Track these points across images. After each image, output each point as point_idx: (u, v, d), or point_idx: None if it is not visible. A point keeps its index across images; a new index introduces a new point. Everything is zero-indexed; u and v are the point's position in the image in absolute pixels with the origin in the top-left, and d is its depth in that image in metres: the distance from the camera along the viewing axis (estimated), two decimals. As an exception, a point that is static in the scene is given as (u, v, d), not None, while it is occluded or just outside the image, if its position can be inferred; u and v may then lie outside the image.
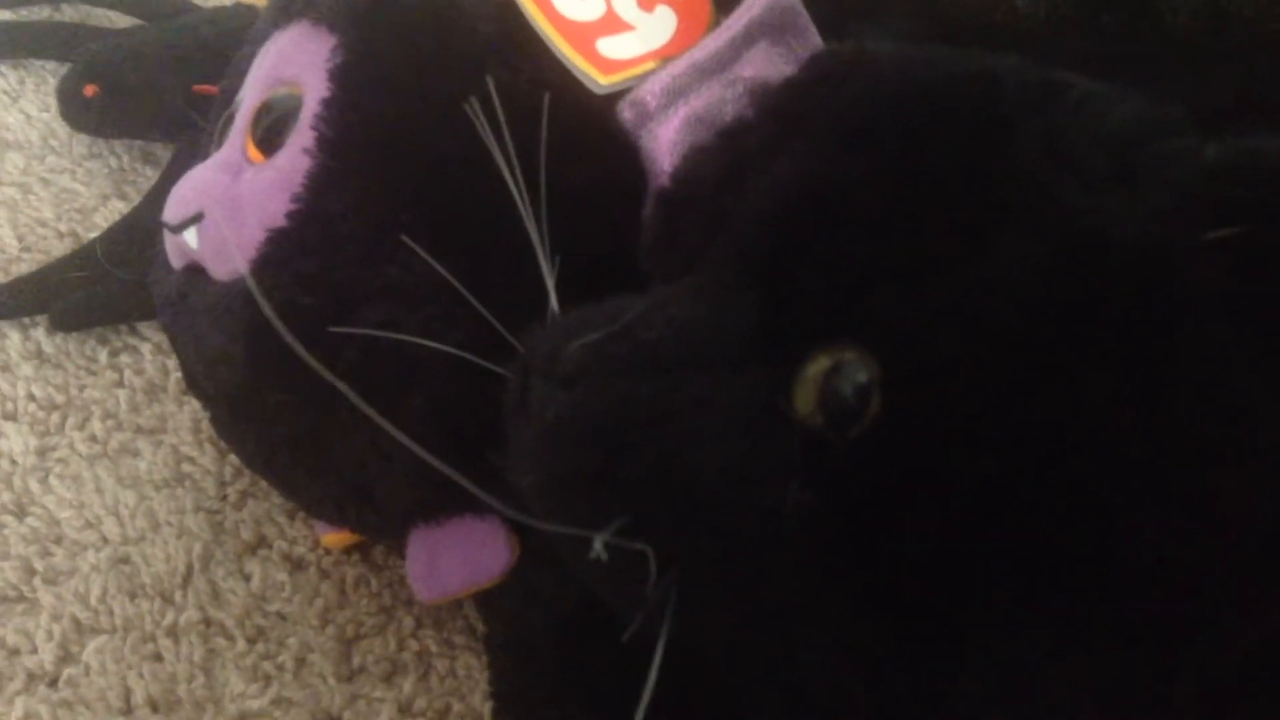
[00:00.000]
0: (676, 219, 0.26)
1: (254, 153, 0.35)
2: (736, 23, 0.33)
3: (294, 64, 0.35)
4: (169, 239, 0.37)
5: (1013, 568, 0.22)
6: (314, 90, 0.34)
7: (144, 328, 0.48)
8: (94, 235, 0.50)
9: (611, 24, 0.33)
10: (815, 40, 0.33)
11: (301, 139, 0.33)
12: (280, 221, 0.33)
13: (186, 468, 0.44)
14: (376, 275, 0.32)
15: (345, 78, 0.33)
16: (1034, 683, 0.23)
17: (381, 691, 0.40)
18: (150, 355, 0.47)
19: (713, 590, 0.21)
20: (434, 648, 0.41)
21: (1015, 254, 0.21)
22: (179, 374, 0.45)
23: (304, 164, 0.33)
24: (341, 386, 0.25)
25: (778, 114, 0.25)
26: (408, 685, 0.40)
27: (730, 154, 0.26)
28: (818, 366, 0.21)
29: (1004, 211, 0.21)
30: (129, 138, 0.54)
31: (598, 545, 0.21)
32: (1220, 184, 0.20)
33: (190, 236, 0.35)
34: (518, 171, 0.28)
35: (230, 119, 0.38)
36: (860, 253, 0.21)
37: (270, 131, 0.35)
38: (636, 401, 0.22)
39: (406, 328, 0.31)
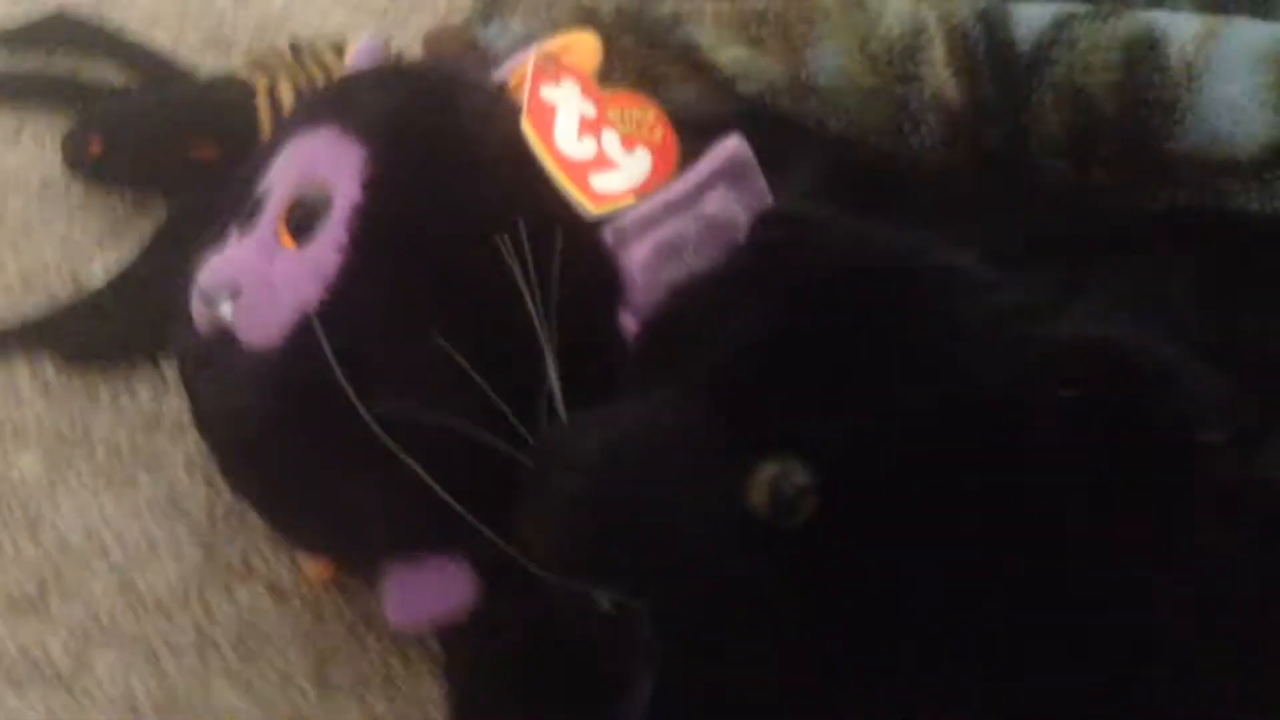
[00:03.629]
0: (661, 341, 0.33)
1: (286, 239, 0.41)
2: (701, 169, 0.40)
3: (324, 166, 0.41)
4: (197, 307, 0.43)
5: (913, 623, 0.30)
6: (344, 194, 0.40)
7: (141, 369, 0.53)
8: (93, 273, 0.55)
9: (601, 163, 0.40)
10: (762, 185, 0.41)
11: (335, 234, 0.39)
12: (314, 305, 0.39)
13: (182, 501, 0.49)
14: (398, 356, 0.38)
15: (375, 189, 0.39)
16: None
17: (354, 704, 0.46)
18: (146, 395, 0.52)
19: (684, 634, 0.29)
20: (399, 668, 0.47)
21: (917, 396, 0.29)
22: (172, 412, 0.51)
23: (336, 258, 0.39)
24: (390, 444, 0.32)
25: (745, 272, 0.33)
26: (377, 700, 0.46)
27: (708, 299, 0.33)
28: (767, 471, 0.29)
29: (912, 366, 0.29)
30: (128, 188, 0.59)
31: (603, 600, 0.28)
32: (1069, 358, 0.29)
33: (225, 308, 0.41)
34: (539, 298, 0.35)
35: (259, 204, 0.44)
36: (803, 388, 0.29)
37: (302, 223, 0.41)
38: (633, 489, 0.29)
39: (422, 398, 0.38)
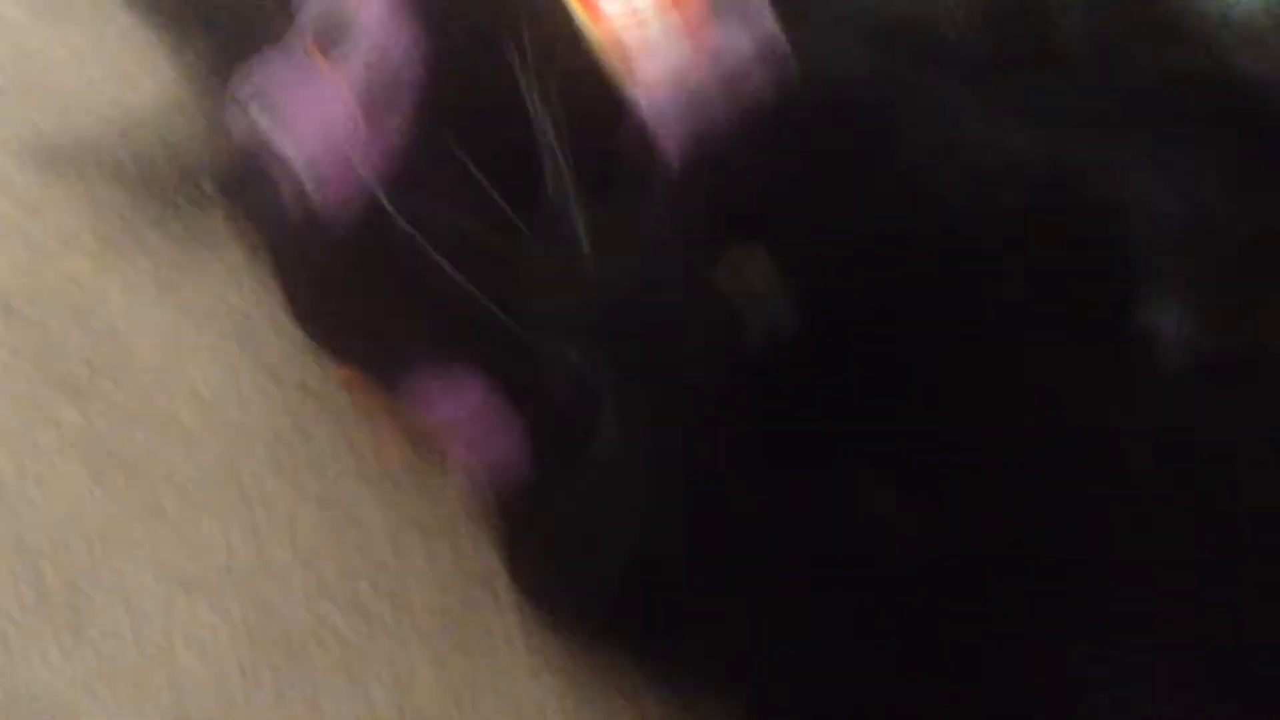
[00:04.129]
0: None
1: (318, 56, 0.44)
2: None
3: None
4: (235, 117, 0.46)
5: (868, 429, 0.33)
6: (368, 10, 0.43)
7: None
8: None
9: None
10: (768, 18, 0.43)
11: (360, 53, 0.42)
12: (342, 123, 0.42)
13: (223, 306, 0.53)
14: (427, 168, 0.41)
15: (393, 8, 0.42)
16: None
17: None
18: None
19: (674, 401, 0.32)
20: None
21: (882, 206, 0.32)
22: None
23: (362, 75, 0.42)
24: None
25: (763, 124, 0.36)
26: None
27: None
28: (734, 255, 0.32)
29: (881, 180, 0.32)
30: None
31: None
32: (1027, 175, 0.32)
33: (262, 119, 0.44)
34: (539, 102, 0.38)
35: (290, 20, 0.46)
36: (779, 188, 0.32)
37: (330, 40, 0.44)
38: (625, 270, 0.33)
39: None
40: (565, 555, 0.40)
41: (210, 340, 0.52)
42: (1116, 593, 0.34)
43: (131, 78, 0.60)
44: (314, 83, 0.44)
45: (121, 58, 0.61)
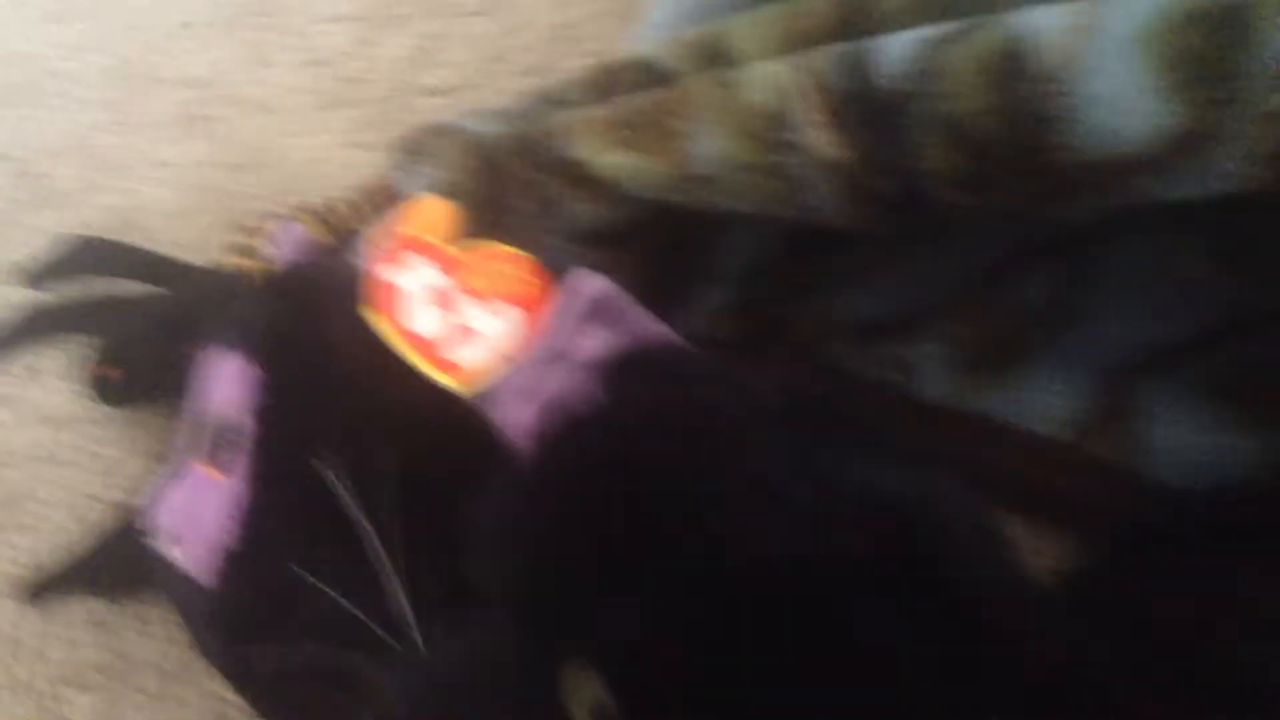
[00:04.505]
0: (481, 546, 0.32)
1: (213, 471, 0.42)
2: (564, 318, 0.38)
3: (235, 391, 0.43)
4: (163, 543, 0.45)
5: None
6: (249, 421, 0.41)
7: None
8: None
9: (461, 334, 0.39)
10: (637, 315, 0.39)
11: (243, 464, 0.40)
12: (234, 541, 0.40)
13: (229, 711, 0.51)
14: (295, 591, 0.38)
15: (266, 416, 0.40)
16: None
17: None
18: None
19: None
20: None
21: (703, 579, 0.27)
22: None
23: (245, 489, 0.40)
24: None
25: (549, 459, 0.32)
26: None
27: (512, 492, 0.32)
28: (570, 682, 0.27)
29: (701, 544, 0.27)
30: (156, 404, 0.63)
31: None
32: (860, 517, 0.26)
33: (176, 553, 0.43)
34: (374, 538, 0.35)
35: (200, 430, 0.45)
36: (591, 588, 0.28)
37: (224, 452, 0.42)
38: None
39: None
40: None
41: None
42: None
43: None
44: (210, 502, 0.42)
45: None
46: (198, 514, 0.42)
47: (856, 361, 0.48)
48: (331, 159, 0.71)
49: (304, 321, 0.41)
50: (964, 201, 0.39)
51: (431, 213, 0.42)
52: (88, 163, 0.72)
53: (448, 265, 0.41)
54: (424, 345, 0.39)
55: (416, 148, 0.55)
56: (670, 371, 0.33)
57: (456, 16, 0.77)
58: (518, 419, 0.38)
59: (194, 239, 0.68)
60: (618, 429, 0.30)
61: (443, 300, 0.40)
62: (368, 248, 0.42)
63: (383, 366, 0.39)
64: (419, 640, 0.33)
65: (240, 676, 0.40)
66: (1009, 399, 0.46)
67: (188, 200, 0.70)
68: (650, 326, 0.39)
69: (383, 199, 0.54)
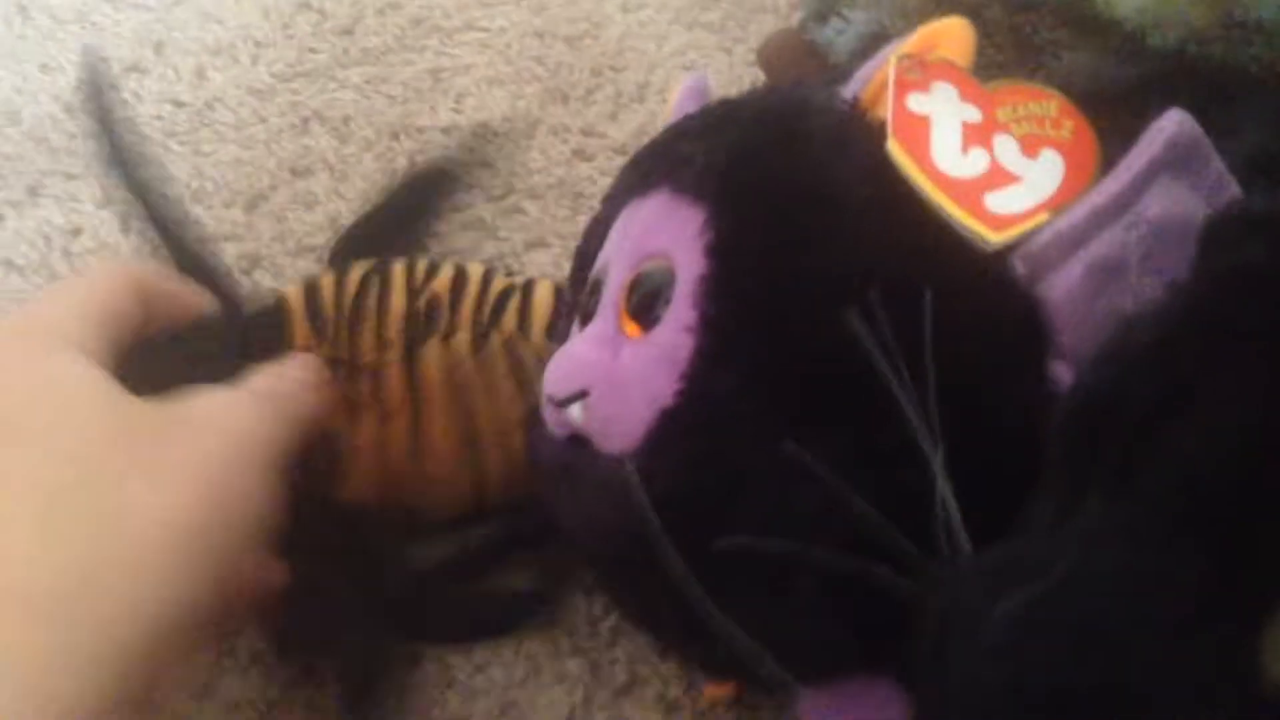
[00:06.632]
0: (1094, 436, 0.24)
1: (630, 327, 0.36)
2: (1134, 161, 0.30)
3: (661, 236, 0.36)
4: (549, 410, 0.38)
5: None
6: (687, 265, 0.34)
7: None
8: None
9: (997, 177, 0.32)
10: (1218, 167, 0.31)
11: (682, 316, 0.34)
12: (668, 401, 0.33)
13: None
14: (768, 453, 0.31)
15: (722, 256, 0.33)
16: None
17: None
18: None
19: None
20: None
21: None
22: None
23: (687, 342, 0.33)
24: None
25: (1214, 324, 0.23)
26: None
27: (1165, 370, 0.23)
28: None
29: None
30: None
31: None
32: None
33: (575, 411, 0.36)
34: (904, 373, 0.27)
35: (596, 286, 0.39)
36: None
37: (644, 305, 0.35)
38: (1080, 686, 0.20)
39: (799, 506, 0.31)
40: None
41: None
42: None
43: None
44: (630, 361, 0.35)
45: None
46: (613, 374, 0.35)
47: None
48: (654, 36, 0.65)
49: (776, 147, 0.34)
50: None
51: (955, 36, 0.34)
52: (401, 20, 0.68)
53: (981, 100, 0.33)
54: (958, 187, 0.31)
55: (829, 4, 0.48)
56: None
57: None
58: (1063, 277, 0.30)
59: (509, 110, 0.63)
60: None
61: (977, 137, 0.32)
62: (872, 73, 0.35)
63: (885, 206, 0.32)
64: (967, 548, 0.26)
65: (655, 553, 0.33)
66: None
67: (502, 68, 0.65)
68: (1230, 189, 0.31)
69: (786, 51, 0.47)
